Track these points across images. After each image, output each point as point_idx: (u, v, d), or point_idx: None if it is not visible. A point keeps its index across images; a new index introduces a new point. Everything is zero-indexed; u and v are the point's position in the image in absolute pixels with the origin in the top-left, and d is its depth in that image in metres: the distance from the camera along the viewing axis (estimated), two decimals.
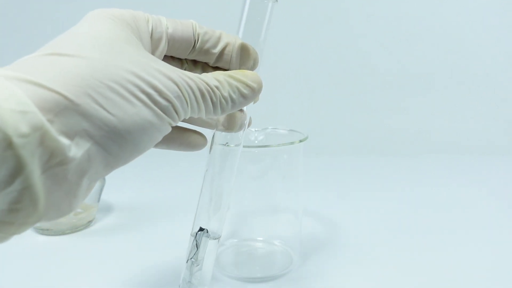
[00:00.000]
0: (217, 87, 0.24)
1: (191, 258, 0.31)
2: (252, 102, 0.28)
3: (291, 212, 0.43)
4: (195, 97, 0.23)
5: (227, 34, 0.29)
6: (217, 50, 0.29)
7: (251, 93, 0.26)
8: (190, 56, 0.29)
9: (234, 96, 0.25)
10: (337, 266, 0.43)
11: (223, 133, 0.30)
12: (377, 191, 0.66)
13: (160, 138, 0.23)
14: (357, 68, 0.91)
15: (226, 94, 0.25)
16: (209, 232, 0.31)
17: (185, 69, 0.30)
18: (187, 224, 0.53)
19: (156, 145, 0.27)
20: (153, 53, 0.27)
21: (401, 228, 0.52)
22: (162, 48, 0.27)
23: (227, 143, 0.30)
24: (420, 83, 0.90)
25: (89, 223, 0.52)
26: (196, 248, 0.31)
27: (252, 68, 0.29)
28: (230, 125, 0.30)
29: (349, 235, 0.50)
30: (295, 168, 0.42)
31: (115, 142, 0.20)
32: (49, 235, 0.49)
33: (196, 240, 0.31)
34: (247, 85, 0.26)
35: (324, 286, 0.39)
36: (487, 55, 0.89)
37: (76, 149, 0.19)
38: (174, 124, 0.23)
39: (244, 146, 0.31)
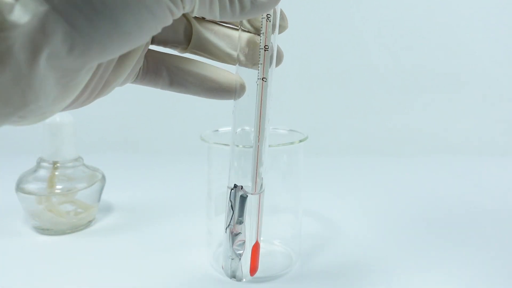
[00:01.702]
0: None
1: (228, 226, 0.25)
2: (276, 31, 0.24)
3: (291, 212, 0.43)
4: None
5: None
6: None
7: None
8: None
9: None
10: (337, 266, 0.43)
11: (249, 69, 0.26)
12: (377, 191, 0.66)
13: (154, 28, 0.18)
14: (357, 68, 0.91)
15: None
16: (246, 188, 0.26)
17: None
18: (187, 224, 0.53)
19: (173, 85, 0.24)
20: None
21: (401, 228, 0.52)
22: None
23: (264, 77, 0.25)
24: (420, 83, 0.90)
25: (89, 223, 0.52)
26: (232, 211, 0.25)
27: None
28: (254, 53, 0.25)
29: (349, 235, 0.50)
30: (295, 168, 0.42)
31: (82, 13, 0.15)
32: (49, 235, 0.50)
33: (230, 201, 0.25)
34: None
35: (324, 286, 0.39)
36: (487, 55, 0.89)
37: (21, 12, 0.14)
38: (176, 12, 0.18)
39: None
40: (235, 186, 0.25)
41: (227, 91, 0.26)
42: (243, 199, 0.25)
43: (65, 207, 0.50)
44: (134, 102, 0.88)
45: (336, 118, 0.91)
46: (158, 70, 0.25)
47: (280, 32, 0.26)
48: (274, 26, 0.25)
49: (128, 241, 0.49)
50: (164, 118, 0.90)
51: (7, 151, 0.85)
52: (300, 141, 0.39)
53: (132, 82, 0.25)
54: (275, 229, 0.43)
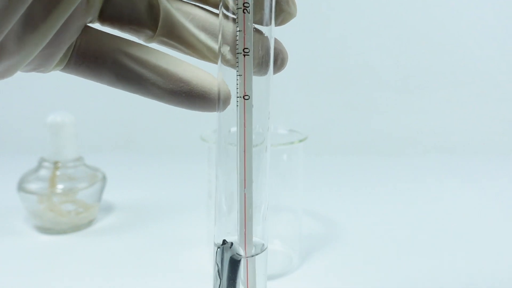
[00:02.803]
0: None
1: None
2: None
3: (291, 212, 0.43)
4: None
5: None
6: None
7: None
8: None
9: None
10: (337, 266, 0.43)
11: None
12: (377, 191, 0.66)
13: None
14: (357, 68, 0.91)
15: None
16: (236, 246, 0.18)
17: None
18: (188, 224, 0.53)
19: (121, 80, 0.18)
20: None
21: (401, 228, 0.52)
22: None
23: (245, 95, 0.19)
24: (420, 84, 0.90)
25: (90, 222, 0.52)
26: (218, 279, 0.18)
27: None
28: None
29: (349, 235, 0.50)
30: (295, 168, 0.42)
31: None
32: (50, 234, 0.50)
33: (217, 265, 0.18)
34: None
35: (324, 286, 0.39)
36: (487, 55, 0.89)
37: None
38: None
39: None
40: (224, 243, 0.18)
41: (202, 97, 0.19)
42: (235, 263, 0.18)
43: (66, 207, 0.50)
44: (134, 102, 0.88)
45: (336, 118, 0.91)
46: (100, 56, 0.18)
47: (285, 21, 0.20)
48: (270, 14, 0.19)
49: (128, 240, 0.49)
50: (165, 118, 0.90)
51: (8, 151, 0.85)
52: (300, 141, 0.39)
53: (62, 70, 0.19)
54: (275, 229, 0.44)
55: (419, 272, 0.41)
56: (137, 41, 0.20)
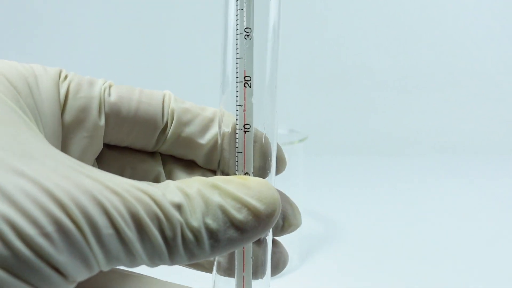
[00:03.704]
0: (179, 207, 0.13)
1: None
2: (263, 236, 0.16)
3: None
4: (118, 231, 0.12)
5: (227, 114, 0.17)
6: (205, 140, 0.18)
7: (253, 222, 0.13)
8: (162, 147, 0.18)
9: (214, 225, 0.13)
10: (337, 265, 0.43)
11: None
12: (377, 191, 0.66)
13: None
14: (357, 68, 0.91)
15: (196, 222, 0.13)
16: None
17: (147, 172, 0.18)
18: None
19: None
20: (66, 134, 0.17)
21: (401, 227, 0.52)
22: (91, 126, 0.17)
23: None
24: (420, 83, 0.90)
25: None
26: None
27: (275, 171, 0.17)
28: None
29: (349, 235, 0.50)
30: (295, 168, 0.42)
31: None
32: None
33: None
34: (245, 204, 0.13)
35: (324, 286, 0.39)
36: (487, 55, 0.89)
37: None
38: None
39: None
40: None
41: None
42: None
43: None
44: None
45: (336, 118, 0.91)
46: None
47: (291, 232, 0.19)
48: (277, 227, 0.19)
49: None
50: None
51: None
52: (300, 141, 0.39)
53: None
54: None
55: (419, 272, 0.41)
56: (134, 273, 0.18)
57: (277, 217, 0.14)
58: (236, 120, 0.17)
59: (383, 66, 0.91)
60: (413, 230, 0.51)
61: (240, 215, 0.13)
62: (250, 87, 0.17)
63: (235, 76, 0.17)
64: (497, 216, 0.55)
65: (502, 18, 0.88)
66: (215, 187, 0.14)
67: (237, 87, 0.17)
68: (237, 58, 0.17)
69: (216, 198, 0.13)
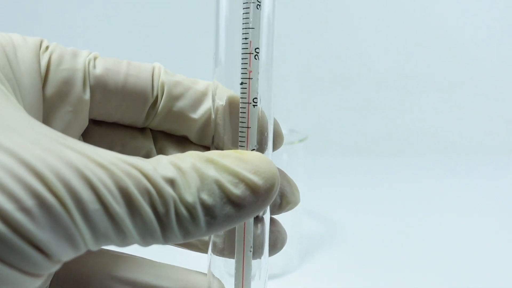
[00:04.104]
0: (172, 182, 0.12)
1: None
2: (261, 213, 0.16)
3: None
4: (105, 207, 0.11)
5: (221, 87, 0.17)
6: (198, 114, 0.17)
7: (251, 197, 0.13)
8: (153, 123, 0.18)
9: (210, 201, 0.12)
10: (337, 265, 0.43)
11: None
12: (377, 191, 0.66)
13: None
14: (357, 68, 0.91)
15: (191, 198, 0.12)
16: None
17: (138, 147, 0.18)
18: None
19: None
20: (48, 109, 0.16)
21: (401, 227, 0.52)
22: (75, 100, 0.16)
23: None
24: (419, 83, 0.90)
25: None
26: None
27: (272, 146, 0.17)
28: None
29: (349, 235, 0.50)
30: (295, 168, 0.42)
31: None
32: None
33: None
34: (242, 179, 0.13)
35: (324, 286, 0.39)
36: (487, 55, 0.89)
37: None
38: (41, 273, 0.11)
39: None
40: None
41: None
42: None
43: None
44: None
45: (336, 118, 0.91)
46: (84, 283, 0.17)
47: (290, 209, 0.20)
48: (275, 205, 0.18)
49: None
50: None
51: None
52: (300, 141, 0.39)
53: None
54: None
55: (419, 272, 0.41)
56: (126, 255, 0.17)
57: (276, 192, 0.14)
58: (243, 93, 0.16)
59: (383, 66, 0.91)
60: (413, 230, 0.51)
61: (237, 190, 0.13)
62: (258, 59, 0.16)
63: (241, 48, 0.16)
64: (497, 216, 0.55)
65: (502, 18, 0.88)
66: (211, 161, 0.13)
67: (245, 59, 0.16)
68: (247, 29, 0.16)
69: (212, 173, 0.13)
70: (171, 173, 0.12)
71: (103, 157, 0.12)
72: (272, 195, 0.13)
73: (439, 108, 0.90)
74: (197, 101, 0.17)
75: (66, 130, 0.16)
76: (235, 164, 0.13)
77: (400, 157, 0.83)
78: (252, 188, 0.13)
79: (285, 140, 0.40)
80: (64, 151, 0.11)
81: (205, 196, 0.12)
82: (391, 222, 0.53)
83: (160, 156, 0.13)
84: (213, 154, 0.13)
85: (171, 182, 0.12)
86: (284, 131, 0.43)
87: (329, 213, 0.56)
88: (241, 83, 0.16)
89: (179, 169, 0.12)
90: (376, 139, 0.89)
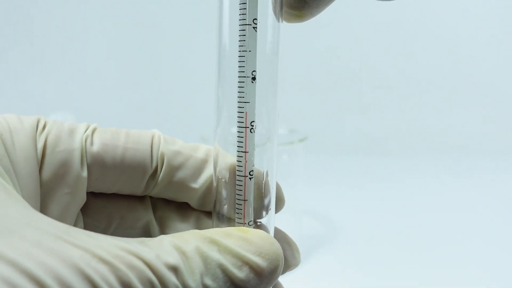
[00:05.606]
0: (175, 269, 0.12)
1: None
2: None
3: (291, 212, 0.43)
4: None
5: (222, 153, 0.16)
6: (199, 184, 0.17)
7: (255, 280, 0.13)
8: (153, 191, 0.17)
9: (214, 286, 0.12)
10: (336, 265, 0.43)
11: None
12: (377, 191, 0.66)
13: None
14: (357, 68, 0.91)
15: (194, 284, 0.12)
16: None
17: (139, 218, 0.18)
18: None
19: None
20: (46, 192, 0.16)
21: (400, 227, 0.52)
22: (73, 180, 0.16)
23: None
24: (419, 84, 0.90)
25: None
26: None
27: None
28: None
29: (349, 235, 0.50)
30: (295, 168, 0.42)
31: None
32: None
33: None
34: (246, 262, 0.13)
35: (324, 286, 0.39)
36: (487, 55, 0.89)
37: None
38: None
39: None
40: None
41: None
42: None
43: None
44: (135, 102, 0.88)
45: (336, 118, 0.91)
46: None
47: (287, 271, 0.18)
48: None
49: None
50: (165, 117, 0.90)
51: None
52: (300, 141, 0.40)
53: None
54: None
55: (419, 272, 0.41)
56: None
57: (280, 273, 0.13)
58: (239, 166, 0.15)
59: (383, 66, 0.91)
60: (413, 230, 0.51)
61: (241, 273, 0.13)
62: (253, 132, 0.16)
63: (237, 121, 0.16)
64: (497, 216, 0.55)
65: (502, 18, 0.88)
66: (214, 242, 0.13)
67: (241, 132, 0.16)
68: (239, 99, 0.16)
69: (216, 256, 0.13)
70: (173, 259, 0.12)
71: (105, 250, 0.12)
72: (276, 276, 0.13)
73: (439, 108, 0.90)
74: (198, 170, 0.17)
75: (64, 211, 0.16)
76: (238, 245, 0.13)
77: (400, 157, 0.83)
78: (256, 271, 0.13)
79: (285, 140, 0.40)
80: (66, 250, 0.11)
81: (209, 282, 0.12)
82: (390, 222, 0.53)
83: (162, 238, 0.13)
84: (215, 233, 0.13)
85: (174, 270, 0.12)
86: (284, 131, 0.43)
87: (329, 213, 0.56)
88: (240, 156, 0.16)
89: (182, 253, 0.12)
90: (376, 139, 0.89)
